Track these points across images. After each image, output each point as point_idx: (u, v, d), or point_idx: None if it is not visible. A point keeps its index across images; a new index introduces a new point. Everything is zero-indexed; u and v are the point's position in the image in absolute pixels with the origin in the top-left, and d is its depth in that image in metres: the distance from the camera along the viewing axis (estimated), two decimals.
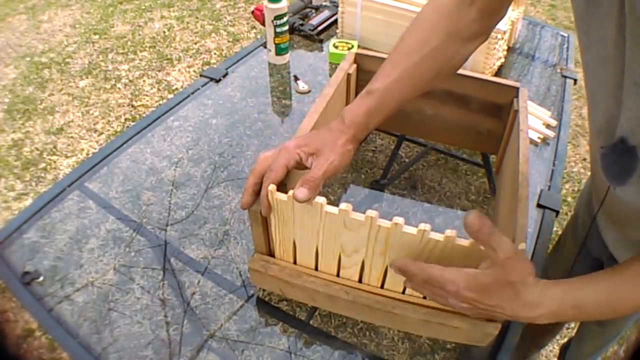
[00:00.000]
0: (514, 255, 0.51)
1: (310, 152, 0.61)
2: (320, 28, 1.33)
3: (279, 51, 1.20)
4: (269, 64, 1.23)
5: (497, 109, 0.88)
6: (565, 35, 1.46)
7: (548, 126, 1.08)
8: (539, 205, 0.91)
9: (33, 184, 2.01)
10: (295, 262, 0.69)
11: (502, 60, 1.23)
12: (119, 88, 2.51)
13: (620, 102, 0.50)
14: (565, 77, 1.26)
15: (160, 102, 2.38)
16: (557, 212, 0.91)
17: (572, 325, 1.50)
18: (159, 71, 2.62)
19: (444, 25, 0.64)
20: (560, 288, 0.53)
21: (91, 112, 2.37)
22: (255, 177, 0.61)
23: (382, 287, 0.66)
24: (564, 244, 1.08)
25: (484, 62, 1.12)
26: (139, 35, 2.90)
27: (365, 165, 1.00)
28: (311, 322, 0.72)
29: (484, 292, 0.53)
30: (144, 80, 2.56)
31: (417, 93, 0.67)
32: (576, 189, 2.00)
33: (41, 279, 0.74)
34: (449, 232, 0.55)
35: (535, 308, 0.52)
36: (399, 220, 0.56)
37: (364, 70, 0.92)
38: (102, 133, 2.24)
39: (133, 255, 0.79)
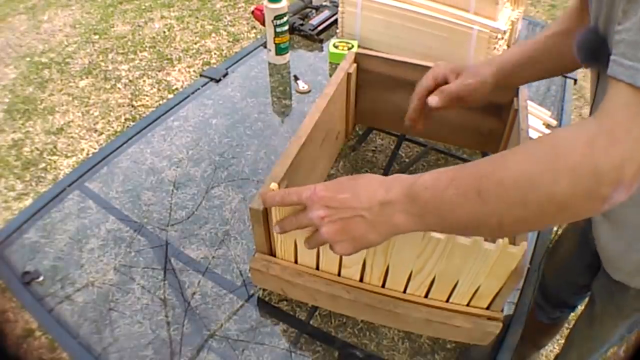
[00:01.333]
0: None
1: (456, 72, 0.74)
2: (320, 28, 1.33)
3: (279, 51, 1.20)
4: (269, 64, 1.23)
5: (498, 108, 0.88)
6: None
7: (548, 126, 1.08)
8: None
9: (33, 184, 2.01)
10: (296, 262, 0.69)
11: None
12: (119, 88, 2.50)
13: None
14: (566, 77, 1.26)
15: (160, 102, 2.38)
16: None
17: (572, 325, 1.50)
18: (159, 71, 2.62)
19: (561, 23, 0.78)
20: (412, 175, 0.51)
21: (91, 112, 2.37)
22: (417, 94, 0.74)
23: (383, 286, 0.66)
24: (562, 243, 1.08)
25: None
26: (139, 35, 2.90)
27: (365, 165, 1.00)
28: (311, 322, 0.72)
29: (336, 186, 0.53)
30: (144, 80, 2.56)
31: (541, 71, 0.80)
32: None
33: (41, 279, 0.74)
34: None
35: (387, 190, 0.50)
36: None
37: (364, 70, 0.92)
38: (102, 133, 2.24)
39: (133, 255, 0.79)
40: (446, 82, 0.75)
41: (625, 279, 0.79)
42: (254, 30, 2.90)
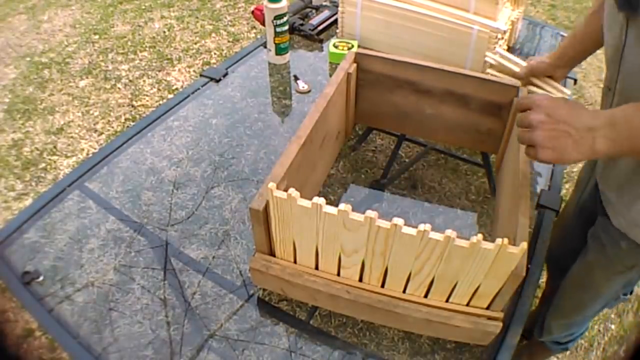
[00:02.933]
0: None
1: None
2: (320, 28, 1.33)
3: (279, 51, 1.20)
4: (269, 64, 1.22)
5: (497, 108, 0.88)
6: (565, 35, 1.46)
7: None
8: (539, 205, 0.91)
9: (33, 184, 2.01)
10: (295, 262, 0.69)
11: None
12: (119, 88, 2.50)
13: None
14: (566, 77, 1.25)
15: (160, 102, 2.38)
16: (557, 212, 0.91)
17: None
18: (159, 71, 2.62)
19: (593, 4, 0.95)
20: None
21: (91, 112, 2.36)
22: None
23: (382, 286, 0.66)
24: (565, 209, 1.11)
25: (484, 61, 1.12)
26: (139, 35, 2.90)
27: (365, 165, 1.00)
28: (311, 321, 0.72)
29: (558, 102, 0.64)
30: (144, 80, 2.55)
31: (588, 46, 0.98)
32: None
33: (41, 279, 0.74)
34: (449, 233, 0.55)
35: (594, 117, 0.61)
36: (399, 221, 0.56)
37: (364, 70, 0.92)
38: (102, 133, 2.24)
39: (133, 255, 0.79)
40: None
41: (625, 227, 0.80)
42: (254, 30, 2.90)
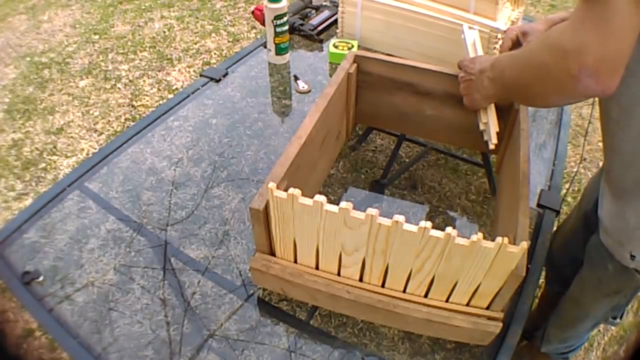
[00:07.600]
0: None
1: (523, 32, 0.88)
2: (320, 28, 1.33)
3: (279, 51, 1.20)
4: (269, 64, 1.22)
5: (498, 109, 0.88)
6: None
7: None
8: (539, 205, 0.91)
9: (33, 184, 2.01)
10: (295, 262, 0.69)
11: None
12: (119, 88, 2.50)
13: None
14: None
15: (160, 102, 2.38)
16: (557, 212, 0.91)
17: None
18: (159, 71, 2.62)
19: None
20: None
21: (91, 112, 2.36)
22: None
23: (382, 286, 0.66)
24: (568, 221, 1.11)
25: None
26: (139, 35, 2.90)
27: (365, 165, 1.00)
28: (311, 321, 0.72)
29: (474, 58, 0.81)
30: (144, 80, 2.55)
31: None
32: (576, 188, 2.00)
33: (41, 279, 0.74)
34: (449, 230, 0.55)
35: (487, 60, 0.77)
36: (400, 218, 0.56)
37: (364, 72, 0.92)
38: (102, 133, 2.24)
39: (133, 255, 0.79)
40: (520, 43, 0.91)
41: (611, 246, 0.80)
42: (254, 30, 2.90)
